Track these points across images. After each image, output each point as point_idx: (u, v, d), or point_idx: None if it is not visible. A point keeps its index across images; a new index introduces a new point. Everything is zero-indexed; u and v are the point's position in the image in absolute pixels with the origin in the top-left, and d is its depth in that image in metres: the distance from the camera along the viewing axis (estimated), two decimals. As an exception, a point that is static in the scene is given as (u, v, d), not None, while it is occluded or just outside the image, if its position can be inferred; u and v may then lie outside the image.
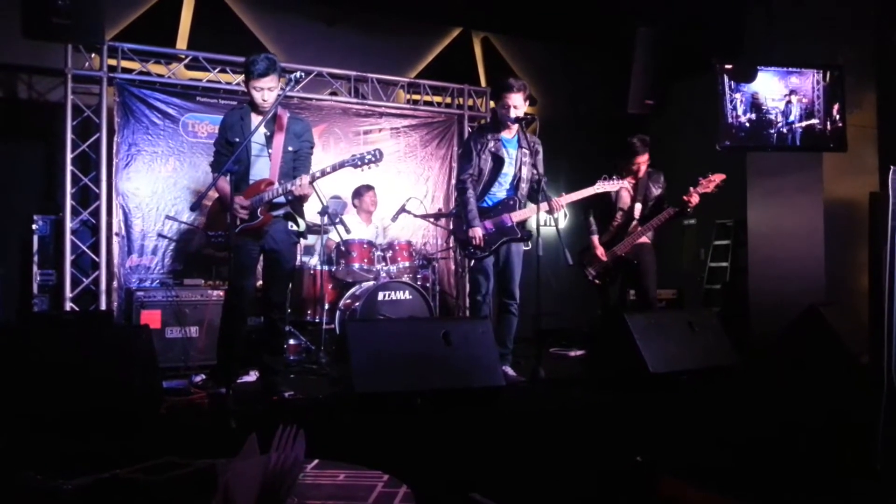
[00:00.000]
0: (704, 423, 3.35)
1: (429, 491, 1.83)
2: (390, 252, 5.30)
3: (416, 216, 5.82)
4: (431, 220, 6.21)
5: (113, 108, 5.45)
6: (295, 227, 3.79)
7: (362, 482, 1.61)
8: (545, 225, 5.91)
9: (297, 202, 3.73)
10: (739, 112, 4.89)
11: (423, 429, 3.15)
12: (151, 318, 4.66)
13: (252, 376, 4.30)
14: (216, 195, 3.82)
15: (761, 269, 5.77)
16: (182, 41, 6.13)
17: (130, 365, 3.16)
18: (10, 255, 5.39)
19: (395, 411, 3.26)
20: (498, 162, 4.33)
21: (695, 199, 4.51)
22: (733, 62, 4.93)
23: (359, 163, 3.58)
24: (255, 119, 3.68)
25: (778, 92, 4.95)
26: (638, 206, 4.78)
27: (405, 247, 5.41)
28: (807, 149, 5.10)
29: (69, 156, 5.31)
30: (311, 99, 6.23)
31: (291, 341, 5.05)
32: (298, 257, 5.03)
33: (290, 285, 4.22)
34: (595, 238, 4.85)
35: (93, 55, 5.44)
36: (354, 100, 6.47)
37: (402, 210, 5.65)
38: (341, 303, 5.13)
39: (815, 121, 4.98)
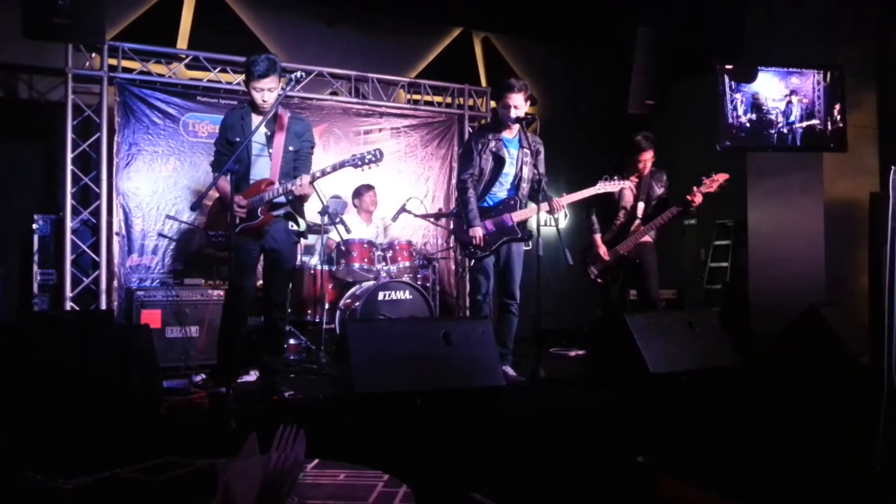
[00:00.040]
0: (704, 424, 3.35)
1: (429, 491, 1.83)
2: (390, 252, 5.30)
3: (416, 216, 5.82)
4: (432, 219, 6.21)
5: (113, 108, 5.44)
6: (295, 227, 3.79)
7: (362, 482, 1.61)
8: (546, 225, 5.90)
9: (297, 202, 3.73)
10: (740, 112, 4.89)
11: (423, 429, 3.15)
12: (152, 317, 4.67)
13: (252, 376, 4.31)
14: (216, 195, 3.82)
15: (761, 269, 5.77)
16: (182, 41, 6.13)
17: (130, 365, 3.17)
18: (11, 255, 5.39)
19: (395, 411, 3.27)
20: (499, 162, 4.33)
21: (698, 199, 4.50)
22: (733, 62, 4.93)
23: (359, 163, 3.58)
24: (256, 119, 3.68)
25: (778, 92, 4.95)
26: (641, 205, 4.77)
27: (405, 247, 5.40)
28: (807, 149, 5.10)
29: (69, 155, 5.30)
30: (311, 99, 6.23)
31: (291, 341, 5.05)
32: (299, 257, 5.02)
33: (291, 285, 4.22)
34: (597, 237, 4.84)
35: (93, 55, 5.44)
36: (355, 100, 6.47)
37: (403, 210, 5.65)
38: (341, 302, 5.13)
39: (815, 121, 4.98)
